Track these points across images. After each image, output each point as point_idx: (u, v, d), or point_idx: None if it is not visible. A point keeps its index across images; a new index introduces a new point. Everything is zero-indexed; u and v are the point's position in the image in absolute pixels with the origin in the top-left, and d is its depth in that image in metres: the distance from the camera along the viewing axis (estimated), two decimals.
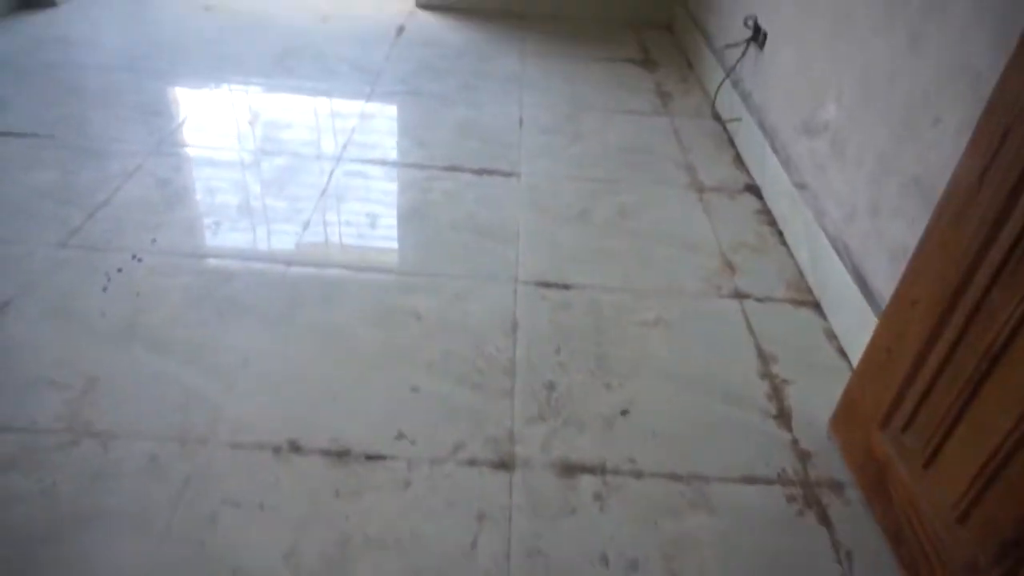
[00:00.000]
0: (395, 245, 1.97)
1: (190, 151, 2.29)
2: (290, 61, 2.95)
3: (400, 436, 1.41)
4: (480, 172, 2.29)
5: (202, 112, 2.53)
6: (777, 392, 1.59)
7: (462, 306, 1.74)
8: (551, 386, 1.55)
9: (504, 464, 1.37)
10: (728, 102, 2.71)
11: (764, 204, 2.25)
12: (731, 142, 2.61)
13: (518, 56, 3.19)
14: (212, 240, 1.90)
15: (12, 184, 2.05)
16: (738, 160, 2.50)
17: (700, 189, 2.31)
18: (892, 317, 1.28)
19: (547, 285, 1.83)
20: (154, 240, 1.87)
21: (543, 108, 2.74)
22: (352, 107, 2.64)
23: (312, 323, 1.66)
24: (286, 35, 3.19)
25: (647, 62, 3.27)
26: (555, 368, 1.59)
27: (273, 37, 3.15)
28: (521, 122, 2.62)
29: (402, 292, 1.77)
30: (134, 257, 1.81)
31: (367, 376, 1.53)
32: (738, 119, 2.58)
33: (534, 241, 1.99)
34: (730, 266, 1.97)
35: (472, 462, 1.37)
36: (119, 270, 1.77)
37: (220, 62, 2.89)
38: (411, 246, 1.96)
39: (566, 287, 1.83)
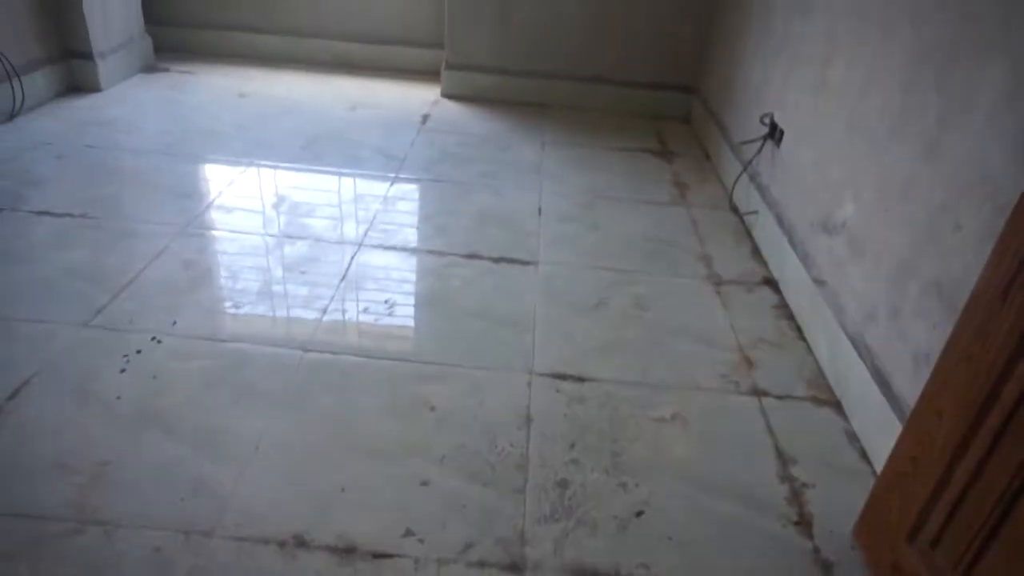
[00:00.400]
0: (412, 333, 1.98)
1: (216, 233, 2.35)
2: (318, 147, 3.06)
3: (408, 533, 1.37)
4: (498, 260, 2.31)
5: (231, 195, 2.60)
6: (797, 496, 1.54)
7: (476, 397, 1.73)
8: (564, 484, 1.51)
9: (514, 567, 1.33)
10: (745, 195, 2.74)
11: (782, 298, 2.24)
12: (749, 234, 2.63)
13: (538, 145, 3.28)
14: (231, 323, 1.93)
15: (44, 263, 2.10)
16: (756, 253, 2.51)
17: (717, 281, 2.31)
18: (917, 426, 1.24)
19: (562, 377, 1.82)
20: (174, 322, 1.90)
21: (562, 197, 2.79)
22: (375, 193, 2.71)
23: (326, 411, 1.65)
24: (315, 122, 3.31)
25: (665, 153, 3.34)
26: (569, 465, 1.56)
27: (303, 124, 3.28)
28: (540, 210, 2.67)
29: (417, 381, 1.76)
30: (154, 339, 1.83)
31: (378, 468, 1.51)
32: (755, 212, 2.60)
33: (550, 331, 1.99)
34: (748, 361, 1.94)
35: (481, 564, 1.33)
36: (138, 351, 1.79)
37: (251, 147, 3.00)
38: (427, 334, 1.96)
39: (581, 380, 1.81)
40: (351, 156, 3.00)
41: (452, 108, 3.66)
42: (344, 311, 2.01)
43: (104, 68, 3.40)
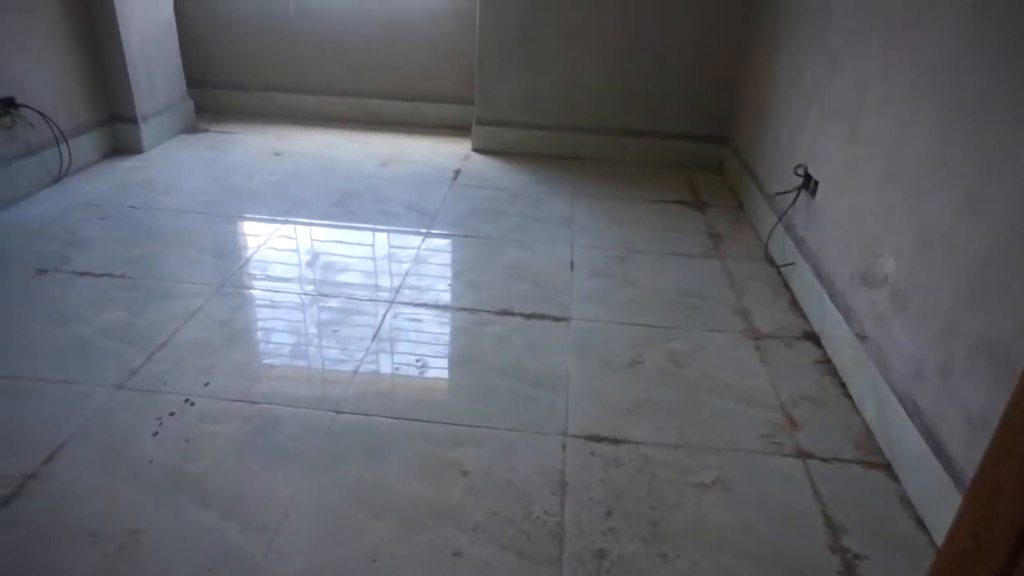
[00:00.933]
0: (444, 393, 1.95)
1: (251, 292, 2.37)
2: (351, 203, 3.10)
3: None
4: (530, 316, 2.29)
5: (265, 253, 2.64)
6: (850, 569, 1.45)
7: (509, 461, 1.68)
8: (602, 555, 1.45)
9: None
10: (781, 246, 2.70)
11: (824, 353, 2.17)
12: (786, 286, 2.57)
13: (569, 198, 3.28)
14: (263, 384, 1.92)
15: (83, 324, 2.14)
16: (794, 305, 2.45)
17: (756, 336, 2.25)
18: (976, 499, 1.17)
19: (597, 439, 1.77)
20: (207, 383, 1.90)
21: (594, 250, 2.77)
22: (407, 249, 2.73)
23: (356, 475, 1.62)
24: (348, 179, 3.36)
25: (698, 203, 3.32)
26: (606, 534, 1.50)
27: (336, 181, 3.33)
28: (572, 265, 2.65)
29: (449, 444, 1.73)
30: (187, 400, 1.84)
31: (409, 536, 1.47)
32: (792, 264, 2.55)
33: (584, 391, 1.95)
34: (791, 421, 1.87)
35: None
36: (171, 414, 1.79)
37: (286, 205, 3.05)
38: (460, 394, 1.94)
39: (617, 442, 1.76)
40: (383, 212, 3.03)
41: (483, 163, 3.70)
42: (376, 370, 2.00)
43: (147, 130, 3.52)
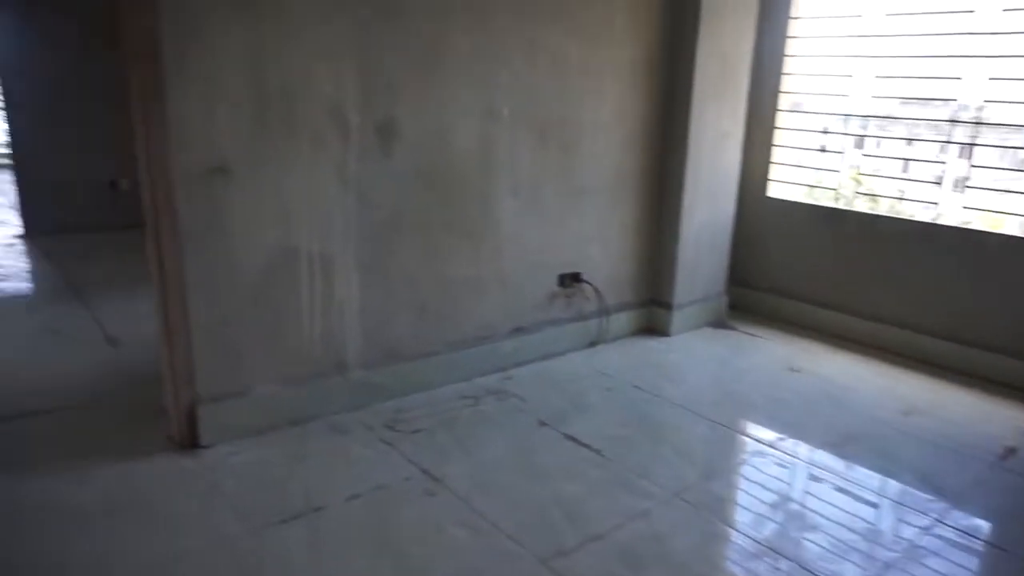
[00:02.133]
0: None
1: (700, 515, 2.24)
2: (848, 449, 2.70)
3: None
4: None
5: (735, 475, 2.48)
6: None
7: None
8: None
9: None
10: None
11: None
12: None
13: None
14: None
15: (546, 487, 2.33)
16: None
17: None
18: None
19: None
20: None
21: None
22: (905, 530, 2.20)
23: None
24: (857, 417, 2.95)
25: None
26: None
27: (843, 417, 2.96)
28: None
29: None
30: None
31: None
32: None
33: None
34: None
35: None
36: None
37: (780, 427, 2.84)
38: None
39: None
40: (885, 472, 2.54)
41: None
42: None
43: (677, 318, 3.79)
